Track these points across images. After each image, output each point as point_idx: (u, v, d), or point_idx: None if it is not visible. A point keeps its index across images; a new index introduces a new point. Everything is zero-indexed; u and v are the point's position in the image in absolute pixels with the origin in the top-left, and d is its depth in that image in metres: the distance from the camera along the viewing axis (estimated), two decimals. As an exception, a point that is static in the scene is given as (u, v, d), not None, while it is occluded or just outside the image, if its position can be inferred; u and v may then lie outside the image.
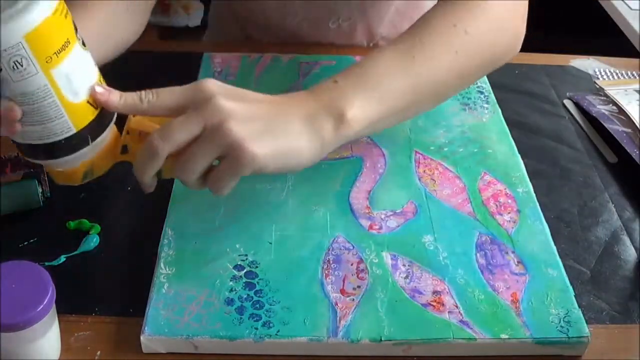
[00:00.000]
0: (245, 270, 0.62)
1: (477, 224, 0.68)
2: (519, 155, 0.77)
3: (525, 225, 0.68)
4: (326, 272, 0.62)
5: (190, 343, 0.57)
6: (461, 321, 0.59)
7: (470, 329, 0.58)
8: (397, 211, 0.69)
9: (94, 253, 0.65)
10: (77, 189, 0.71)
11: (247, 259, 0.63)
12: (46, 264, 0.63)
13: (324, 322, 0.58)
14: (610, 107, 0.87)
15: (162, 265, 0.62)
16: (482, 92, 0.87)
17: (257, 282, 0.61)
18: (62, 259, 0.64)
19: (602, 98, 0.89)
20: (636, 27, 1.38)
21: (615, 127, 0.83)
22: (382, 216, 0.68)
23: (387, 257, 0.64)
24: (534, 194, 0.72)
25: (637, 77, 0.94)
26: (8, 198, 0.67)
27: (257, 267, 0.62)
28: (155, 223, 0.67)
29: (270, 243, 0.65)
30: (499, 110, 0.84)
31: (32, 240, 0.66)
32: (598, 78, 0.95)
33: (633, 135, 0.81)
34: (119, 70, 0.90)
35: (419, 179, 0.73)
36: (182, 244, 0.64)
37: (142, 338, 0.57)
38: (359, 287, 0.61)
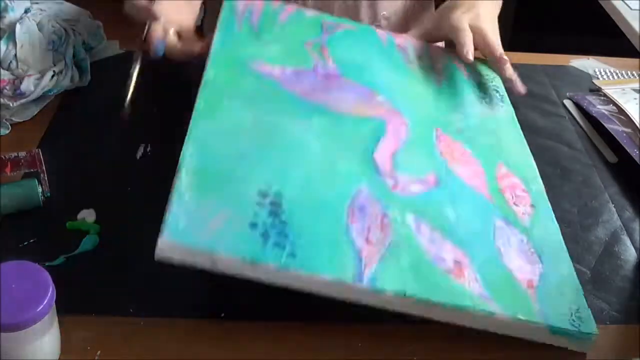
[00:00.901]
0: (269, 200, 0.57)
1: (494, 208, 0.66)
2: (532, 157, 0.75)
3: (538, 224, 0.67)
4: (351, 218, 0.59)
5: (209, 257, 0.53)
6: (481, 295, 0.57)
7: (489, 302, 0.57)
8: (421, 177, 0.66)
9: (94, 253, 0.65)
10: (77, 189, 0.72)
11: (272, 188, 0.58)
12: (46, 264, 0.62)
13: (349, 266, 0.55)
14: (610, 107, 0.87)
15: (183, 175, 0.57)
16: (497, 91, 0.84)
17: (282, 213, 0.57)
18: (62, 259, 0.64)
19: (602, 98, 0.89)
20: (636, 27, 1.37)
21: (615, 127, 0.83)
22: (406, 179, 0.65)
23: (410, 218, 0.61)
24: (546, 195, 0.70)
25: (637, 77, 0.94)
26: (8, 198, 0.67)
27: (282, 198, 0.58)
28: (156, 223, 0.66)
29: (296, 179, 0.60)
30: (513, 111, 0.81)
31: (32, 240, 0.65)
32: (598, 78, 0.95)
33: (633, 135, 0.81)
34: (119, 70, 0.90)
35: (440, 154, 0.70)
36: (205, 161, 0.59)
37: (158, 241, 0.52)
38: (383, 239, 0.58)
